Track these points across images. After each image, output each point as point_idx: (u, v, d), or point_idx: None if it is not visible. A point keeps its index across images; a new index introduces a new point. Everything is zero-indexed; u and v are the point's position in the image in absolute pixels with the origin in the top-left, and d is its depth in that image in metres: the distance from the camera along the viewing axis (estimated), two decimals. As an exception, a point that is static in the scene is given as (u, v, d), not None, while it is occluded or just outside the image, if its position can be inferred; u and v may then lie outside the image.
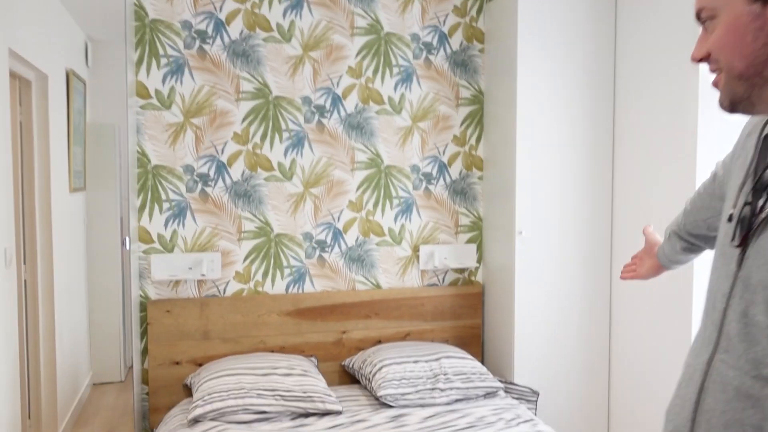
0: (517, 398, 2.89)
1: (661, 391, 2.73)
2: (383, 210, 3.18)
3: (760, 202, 0.92)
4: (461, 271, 3.30)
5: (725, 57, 0.90)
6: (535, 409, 2.91)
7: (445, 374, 2.74)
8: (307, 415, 2.56)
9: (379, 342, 3.12)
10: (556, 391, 3.03)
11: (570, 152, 3.01)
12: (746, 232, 0.92)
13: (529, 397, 2.90)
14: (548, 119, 2.97)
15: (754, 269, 0.88)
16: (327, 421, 2.48)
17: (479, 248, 3.31)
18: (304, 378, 2.64)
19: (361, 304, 3.10)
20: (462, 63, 3.26)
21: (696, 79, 2.51)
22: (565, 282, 3.02)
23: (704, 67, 2.50)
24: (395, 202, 3.19)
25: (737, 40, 0.88)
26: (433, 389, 2.68)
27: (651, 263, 1.56)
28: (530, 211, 2.97)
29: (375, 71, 3.14)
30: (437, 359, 2.82)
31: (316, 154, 3.09)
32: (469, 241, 3.30)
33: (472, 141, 3.29)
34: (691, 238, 1.39)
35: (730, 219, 0.98)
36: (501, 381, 2.94)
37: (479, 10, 3.28)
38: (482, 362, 3.28)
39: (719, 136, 2.53)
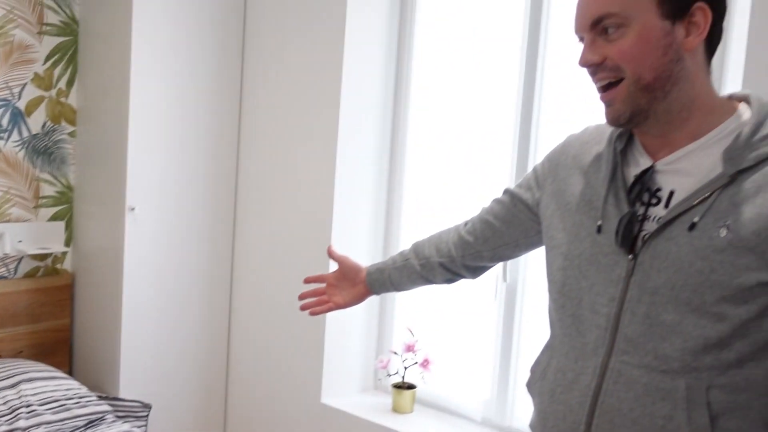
0: (123, 416, 2.28)
1: (280, 396, 2.48)
2: None
3: (641, 210, 0.99)
4: (43, 257, 2.47)
5: (633, 67, 0.93)
6: (146, 426, 2.35)
7: (28, 406, 1.97)
8: None
9: None
10: (170, 402, 2.50)
11: (196, 109, 2.48)
12: (633, 238, 0.98)
13: (140, 412, 2.32)
14: (173, 63, 2.39)
15: (654, 273, 0.95)
16: None
17: (69, 227, 2.52)
18: None
19: None
20: (48, -24, 2.41)
21: (340, 44, 2.28)
22: (185, 270, 2.50)
23: (353, 27, 2.29)
24: (-60, 159, 2.19)
25: (648, 52, 0.92)
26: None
27: (357, 290, 1.41)
28: (146, 181, 2.36)
29: None
30: (14, 385, 2.02)
31: None
32: (54, 218, 2.48)
33: (62, 84, 2.47)
34: (461, 270, 1.31)
35: (599, 230, 1.02)
36: (104, 398, 2.27)
37: None
38: (71, 374, 2.52)
39: (360, 100, 2.37)
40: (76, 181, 2.52)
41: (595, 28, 0.95)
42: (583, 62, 0.96)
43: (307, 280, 1.44)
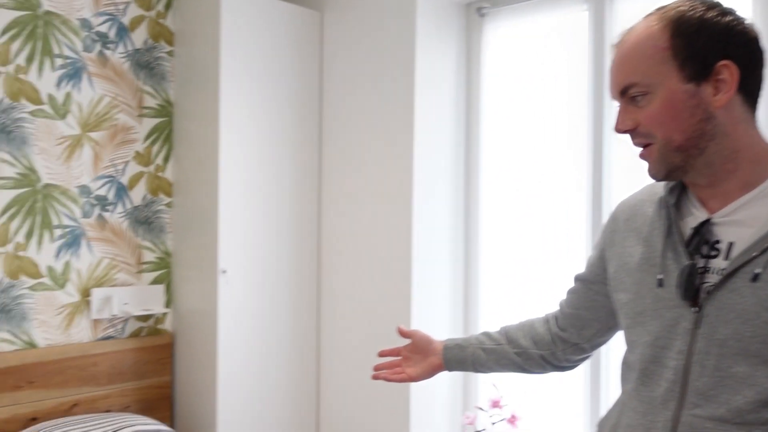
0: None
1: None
2: (40, 243, 2.40)
3: (701, 262, 0.99)
4: (146, 318, 2.69)
5: (663, 131, 0.97)
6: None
7: (137, 457, 2.14)
8: None
9: (35, 420, 2.33)
10: (262, 451, 2.64)
11: (279, 179, 2.68)
12: (696, 291, 0.98)
13: (235, 464, 2.46)
14: (256, 138, 2.61)
15: (720, 325, 0.95)
16: None
17: (168, 290, 2.74)
18: None
19: (6, 371, 2.27)
20: (147, 65, 2.69)
21: (411, 103, 2.43)
22: (274, 328, 2.66)
23: (422, 89, 2.45)
24: (57, 232, 2.45)
25: (675, 115, 0.96)
26: (122, 481, 2.06)
27: (429, 362, 1.41)
28: (235, 246, 2.55)
29: (29, 59, 2.38)
30: (123, 438, 2.20)
31: (-62, 167, 2.18)
32: (155, 282, 2.70)
33: (159, 160, 2.73)
34: (563, 363, 1.33)
35: (660, 284, 1.03)
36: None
37: (168, 5, 2.75)
38: (173, 428, 2.70)
39: (433, 163, 2.50)
40: (173, 247, 2.75)
41: (624, 96, 1.01)
42: (618, 129, 1.02)
43: (382, 354, 1.45)
